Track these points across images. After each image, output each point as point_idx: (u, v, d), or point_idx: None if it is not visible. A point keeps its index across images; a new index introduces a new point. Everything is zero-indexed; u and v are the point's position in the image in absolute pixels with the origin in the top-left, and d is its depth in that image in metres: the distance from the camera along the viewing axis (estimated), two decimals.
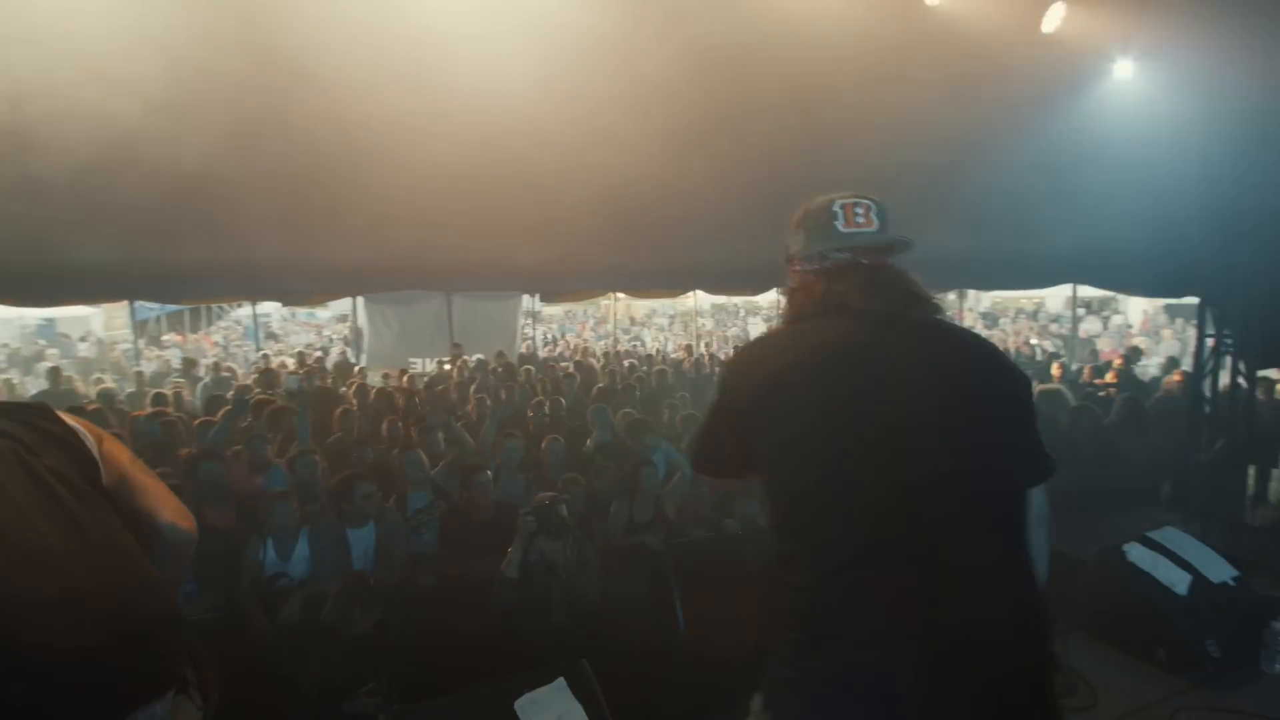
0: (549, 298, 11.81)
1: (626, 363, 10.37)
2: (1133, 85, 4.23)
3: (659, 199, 8.94)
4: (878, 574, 1.12)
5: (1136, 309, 17.17)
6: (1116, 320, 19.22)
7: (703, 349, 12.49)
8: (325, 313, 22.20)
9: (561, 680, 2.07)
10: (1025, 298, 20.14)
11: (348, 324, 21.49)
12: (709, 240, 10.48)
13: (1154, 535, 2.92)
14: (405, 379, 8.41)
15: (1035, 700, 1.15)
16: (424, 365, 11.47)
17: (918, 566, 1.11)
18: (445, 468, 4.26)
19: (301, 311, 24.14)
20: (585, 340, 16.11)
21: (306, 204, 8.50)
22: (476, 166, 8.10)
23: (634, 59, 6.03)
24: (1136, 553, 2.86)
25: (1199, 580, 3.06)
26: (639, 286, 12.17)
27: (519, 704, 1.99)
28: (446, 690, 2.68)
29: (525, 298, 11.79)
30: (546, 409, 6.22)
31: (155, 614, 1.23)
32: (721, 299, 19.28)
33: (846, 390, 1.24)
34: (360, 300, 10.86)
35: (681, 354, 11.69)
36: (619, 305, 22.30)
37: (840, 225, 1.39)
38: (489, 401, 6.17)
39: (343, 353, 12.15)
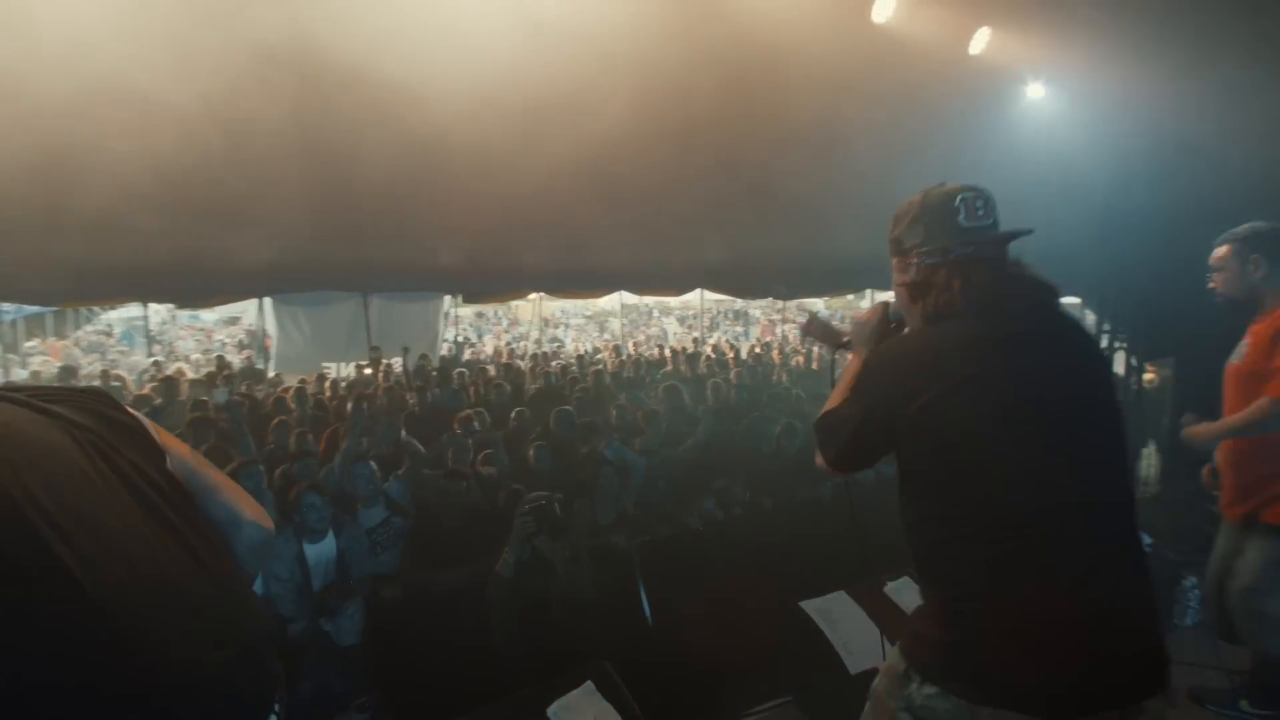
0: (471, 299, 11.51)
1: (555, 364, 10.30)
2: (1042, 104, 4.73)
3: (585, 201, 8.94)
4: (1060, 548, 1.24)
5: None
6: None
7: (631, 349, 12.60)
8: (211, 315, 20.58)
9: (590, 683, 2.07)
10: None
11: (241, 327, 20.10)
12: (634, 243, 10.59)
13: None
14: (327, 386, 7.96)
15: (1160, 674, 1.27)
16: (338, 370, 10.90)
17: (1089, 543, 1.26)
18: (401, 478, 4.07)
19: (183, 314, 22.25)
20: (508, 343, 15.84)
21: (204, 198, 7.85)
22: (396, 164, 7.78)
23: (571, 61, 6.00)
24: None
25: None
26: (562, 288, 12.10)
27: (552, 711, 1.98)
28: (439, 704, 2.62)
29: (447, 299, 11.44)
30: (488, 416, 6.11)
31: (260, 623, 1.14)
32: (633, 299, 19.46)
33: (1024, 389, 1.31)
34: (268, 301, 10.15)
35: (607, 355, 11.74)
36: (529, 306, 22.07)
37: (963, 219, 1.42)
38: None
39: (247, 358, 11.32)
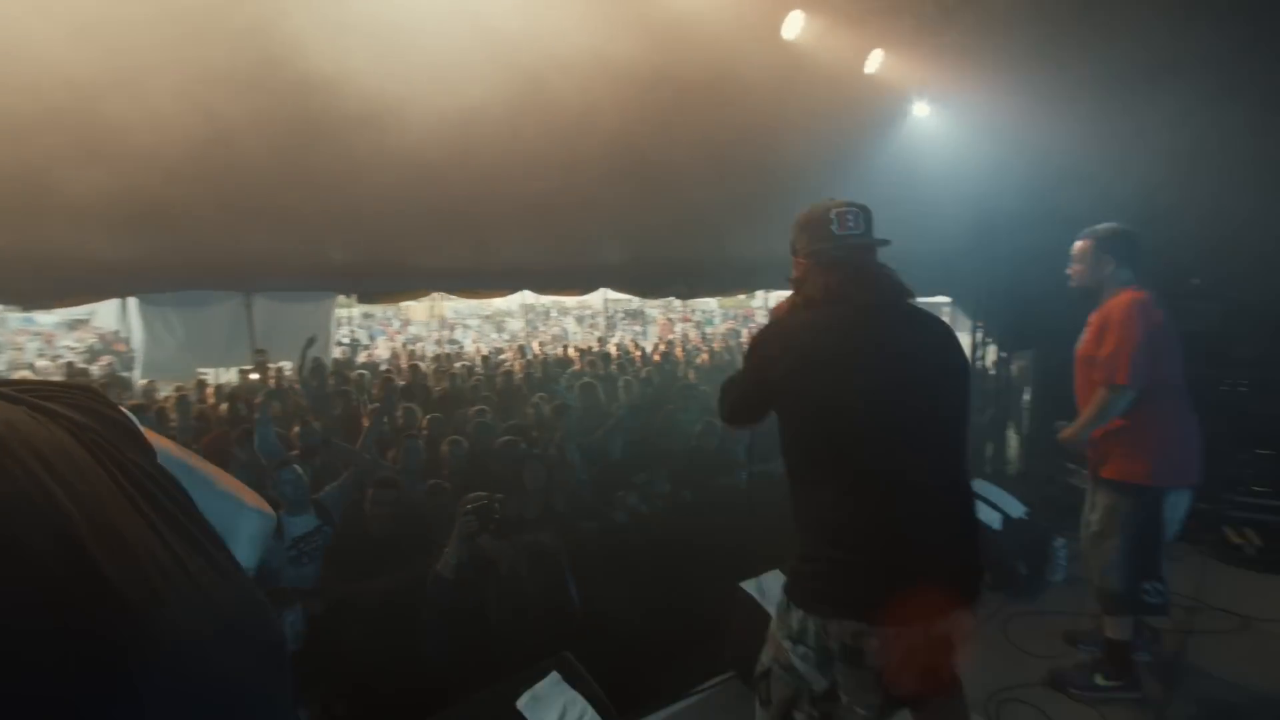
0: (367, 298, 10.97)
1: (458, 365, 10.07)
2: (927, 122, 5.22)
3: (487, 198, 8.78)
4: (880, 491, 1.56)
5: None
6: None
7: (536, 349, 12.52)
8: (49, 318, 18.35)
9: (555, 674, 2.12)
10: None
11: (91, 330, 18.01)
12: (537, 242, 10.52)
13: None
14: (210, 393, 7.35)
15: (970, 587, 1.64)
16: (217, 376, 10.07)
17: (908, 487, 1.57)
18: (339, 487, 3.87)
19: (14, 316, 19.65)
20: (404, 344, 15.25)
21: (53, 186, 7.01)
22: (282, 151, 7.29)
23: (475, 60, 5.89)
24: None
25: (1005, 517, 3.86)
26: (464, 287, 11.81)
27: (521, 703, 2.01)
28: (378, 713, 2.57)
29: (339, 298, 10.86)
30: (400, 416, 5.94)
31: (278, 631, 1.11)
32: (530, 299, 19.31)
33: (862, 363, 1.62)
34: (132, 302, 9.21)
35: (511, 355, 11.60)
36: (422, 307, 21.34)
37: (835, 228, 1.72)
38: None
39: (108, 365, 10.23)
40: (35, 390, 1.05)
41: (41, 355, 14.06)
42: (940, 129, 5.21)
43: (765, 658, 1.79)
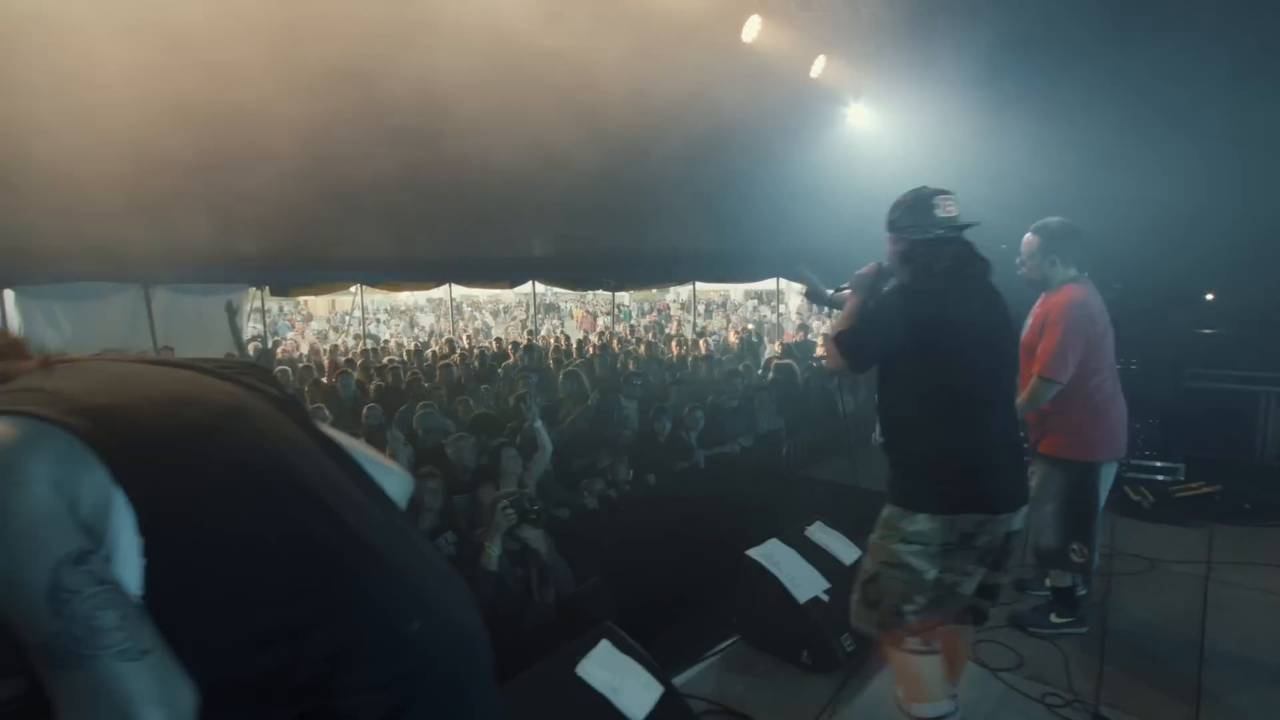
0: (280, 291, 10.39)
1: (387, 360, 9.73)
2: (864, 124, 5.63)
3: (415, 189, 8.55)
4: (988, 417, 2.06)
5: (794, 301, 21.23)
6: (781, 309, 23.74)
7: (465, 342, 12.27)
8: None
9: (606, 641, 2.22)
10: (714, 291, 23.63)
11: None
12: (465, 235, 10.31)
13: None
14: None
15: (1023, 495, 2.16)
16: None
17: (1000, 413, 2.12)
18: None
19: None
20: (319, 338, 14.48)
21: None
22: (187, 127, 6.76)
23: (423, 38, 5.74)
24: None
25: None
26: (388, 279, 11.42)
27: (581, 669, 2.10)
28: None
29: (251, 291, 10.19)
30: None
31: (467, 587, 1.16)
32: (438, 294, 18.80)
33: (977, 323, 2.03)
34: (9, 294, 8.27)
35: (436, 349, 11.32)
36: (323, 302, 20.27)
37: (939, 212, 2.07)
38: None
39: None
40: (228, 366, 1.07)
41: None
42: (876, 130, 5.63)
43: (871, 565, 2.12)
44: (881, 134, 5.56)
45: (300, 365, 9.53)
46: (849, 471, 6.08)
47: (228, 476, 0.88)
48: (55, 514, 0.75)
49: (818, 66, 5.11)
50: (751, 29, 4.66)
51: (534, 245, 11.65)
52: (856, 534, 3.17)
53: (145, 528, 0.79)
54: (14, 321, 8.40)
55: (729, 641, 3.05)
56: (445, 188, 8.61)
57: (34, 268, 7.96)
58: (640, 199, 8.69)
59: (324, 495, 0.95)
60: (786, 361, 8.03)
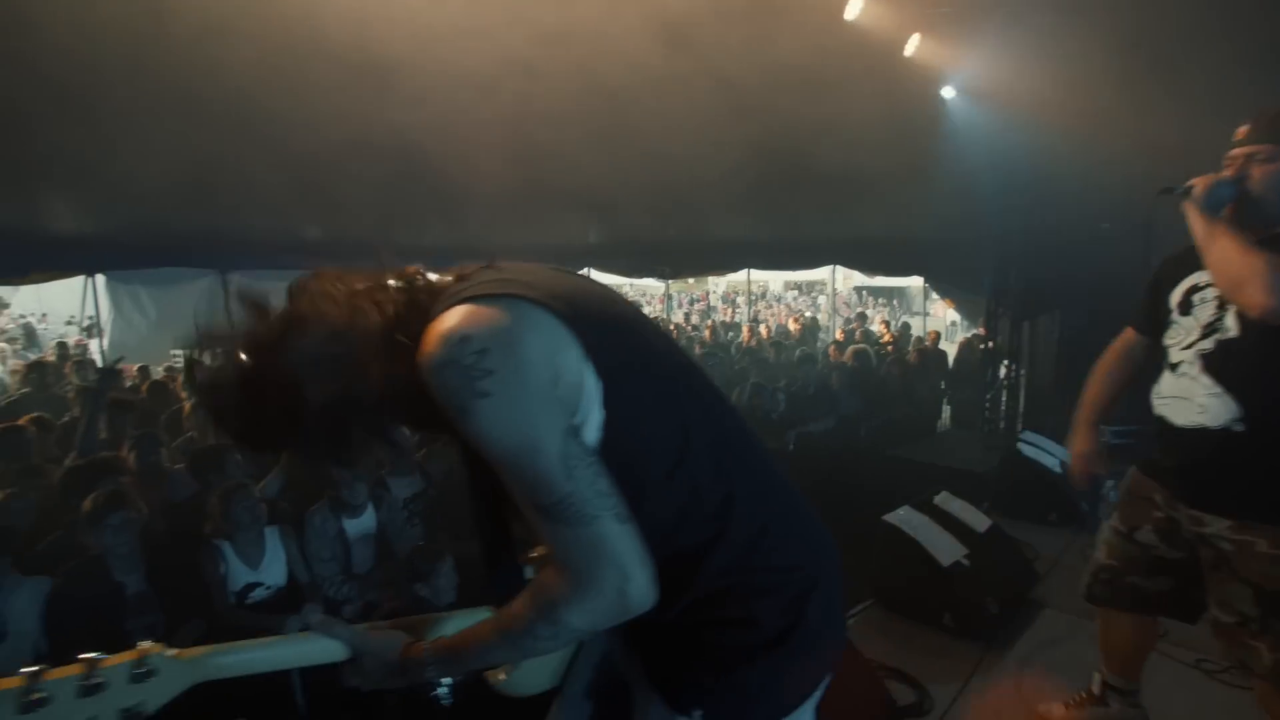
0: None
1: None
2: (956, 106, 5.58)
3: (484, 175, 8.64)
4: None
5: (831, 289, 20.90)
6: (821, 299, 23.53)
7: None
8: None
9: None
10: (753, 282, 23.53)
11: (10, 315, 16.53)
12: (519, 221, 10.40)
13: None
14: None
15: None
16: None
17: None
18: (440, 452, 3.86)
19: None
20: None
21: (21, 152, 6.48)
22: (249, 123, 6.94)
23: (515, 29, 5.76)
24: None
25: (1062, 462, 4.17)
26: (444, 265, 11.56)
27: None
28: None
29: None
30: None
31: None
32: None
33: None
34: (100, 279, 8.61)
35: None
36: None
37: None
38: None
39: (80, 344, 9.53)
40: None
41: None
42: (969, 112, 5.59)
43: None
44: (977, 116, 5.51)
45: None
46: (929, 451, 6.11)
47: (663, 364, 0.96)
48: (553, 387, 0.82)
49: (911, 45, 5.09)
50: (854, 7, 4.65)
51: (589, 232, 11.73)
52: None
53: (606, 403, 0.86)
54: (103, 304, 8.76)
55: (863, 605, 3.10)
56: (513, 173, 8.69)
57: (121, 253, 8.24)
58: (709, 184, 8.67)
59: (718, 392, 1.03)
60: (863, 347, 8.04)
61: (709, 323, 12.67)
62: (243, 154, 7.23)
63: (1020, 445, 4.24)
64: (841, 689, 2.18)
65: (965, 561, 2.89)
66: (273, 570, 3.10)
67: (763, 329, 10.72)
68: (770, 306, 20.40)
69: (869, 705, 2.22)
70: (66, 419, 4.36)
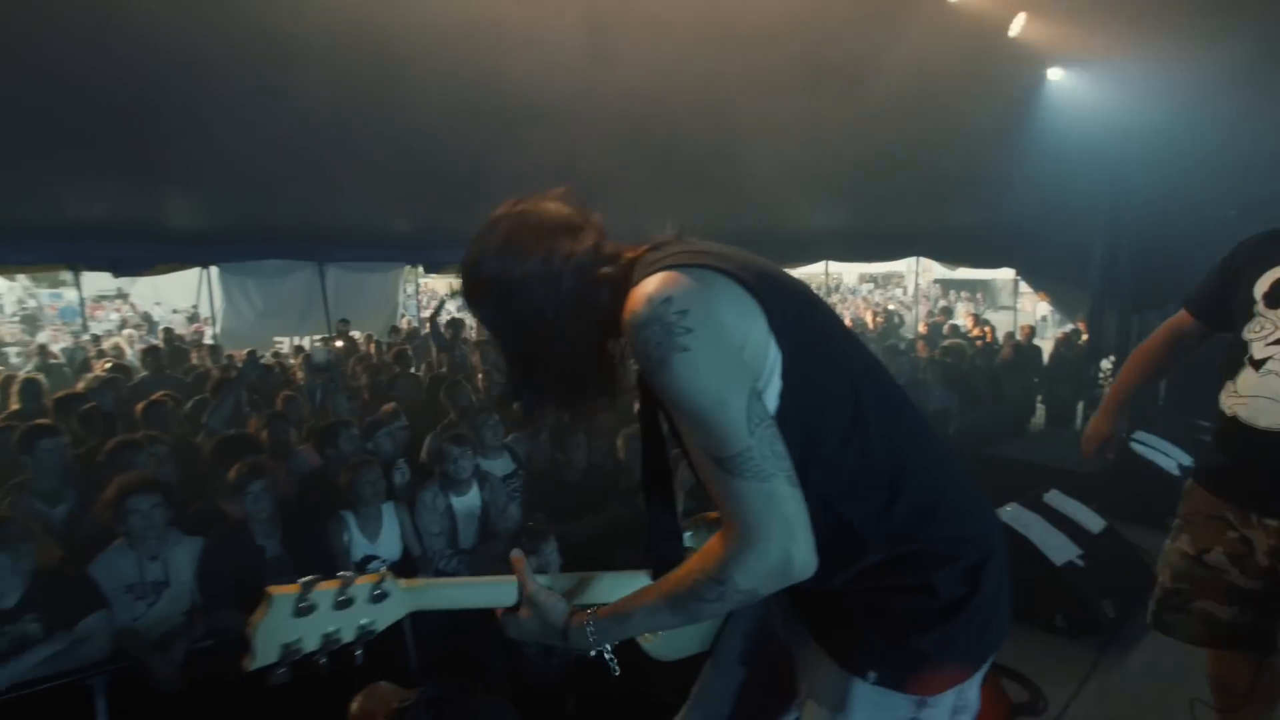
0: (434, 268, 11.04)
1: None
2: (1062, 88, 5.30)
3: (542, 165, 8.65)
4: None
5: (911, 282, 20.20)
6: (898, 293, 22.78)
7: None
8: (73, 294, 18.26)
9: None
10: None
11: (125, 303, 18.04)
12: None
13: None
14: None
15: None
16: (290, 344, 10.17)
17: None
18: (525, 435, 4.02)
19: (44, 292, 19.62)
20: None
21: (141, 157, 6.98)
22: (349, 122, 7.23)
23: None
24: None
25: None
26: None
27: None
28: None
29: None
30: None
31: None
32: None
33: None
34: (213, 271, 9.28)
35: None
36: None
37: None
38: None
39: (198, 330, 10.35)
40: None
41: (108, 329, 14.00)
42: (1078, 95, 5.30)
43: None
44: (1085, 98, 5.21)
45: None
46: (1025, 450, 5.84)
47: (837, 341, 1.00)
48: (741, 350, 0.88)
49: (1017, 25, 4.86)
50: None
51: (663, 225, 11.70)
52: None
53: (785, 373, 0.91)
54: (217, 294, 9.44)
55: None
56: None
57: (232, 246, 8.82)
58: (787, 173, 8.47)
59: (885, 369, 1.06)
60: (958, 341, 7.78)
61: None
62: (339, 155, 7.60)
63: (1133, 445, 4.02)
64: None
65: (1079, 562, 2.79)
66: (389, 543, 3.29)
67: (846, 322, 10.47)
68: (844, 300, 19.92)
69: (989, 701, 2.18)
70: (196, 398, 4.74)
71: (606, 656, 1.07)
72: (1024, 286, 11.38)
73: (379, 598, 0.95)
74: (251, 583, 2.76)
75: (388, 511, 3.31)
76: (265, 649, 0.87)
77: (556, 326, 0.99)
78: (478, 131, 7.67)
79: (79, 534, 3.00)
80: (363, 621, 0.93)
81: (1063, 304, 9.57)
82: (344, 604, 0.91)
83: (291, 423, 3.97)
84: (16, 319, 17.33)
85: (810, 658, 1.07)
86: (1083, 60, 5.05)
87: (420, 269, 11.18)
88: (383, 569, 0.98)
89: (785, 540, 0.84)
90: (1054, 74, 5.26)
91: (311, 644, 0.90)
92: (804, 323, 0.95)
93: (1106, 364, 6.05)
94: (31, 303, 18.63)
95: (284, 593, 0.88)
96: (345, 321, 9.24)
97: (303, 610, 0.89)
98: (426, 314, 16.14)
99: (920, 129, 5.89)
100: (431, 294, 21.01)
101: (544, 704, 2.68)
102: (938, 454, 1.03)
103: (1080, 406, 6.75)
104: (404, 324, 11.14)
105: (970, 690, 1.05)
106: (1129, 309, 5.76)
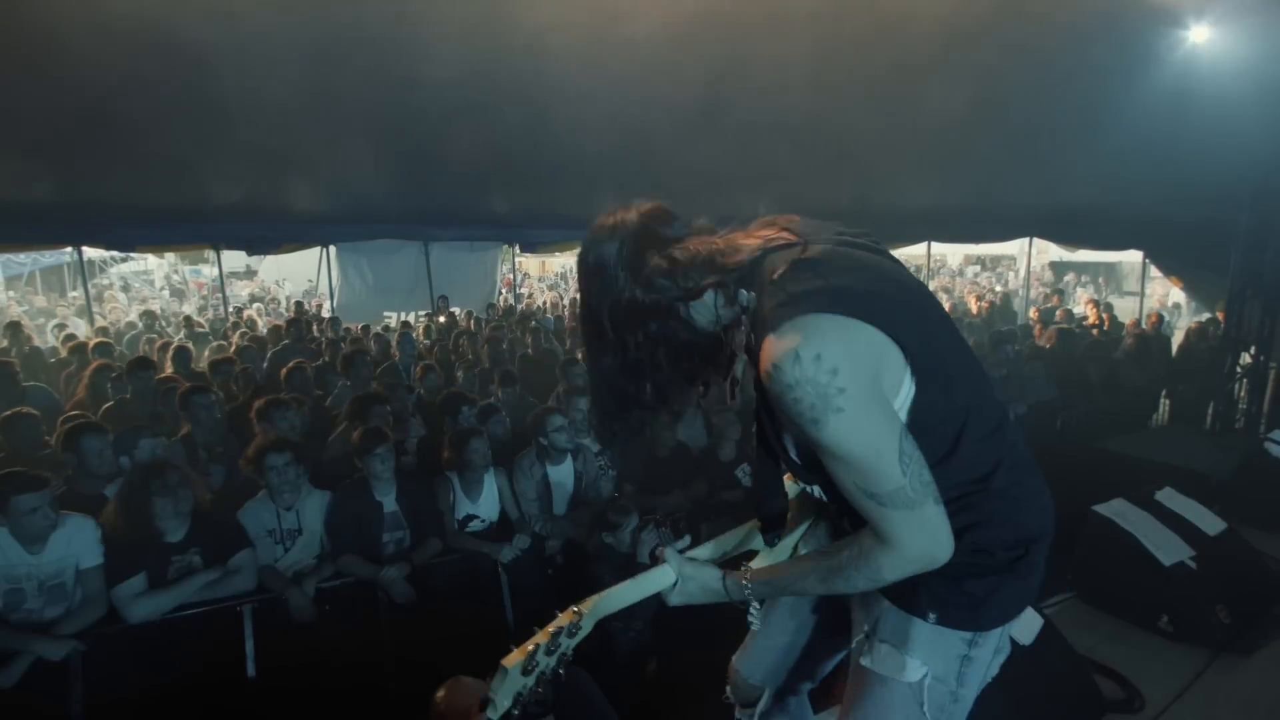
0: (530, 249, 11.41)
1: None
2: (1202, 46, 4.78)
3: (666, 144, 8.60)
4: None
5: (1022, 264, 18.81)
6: (1010, 276, 21.33)
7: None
8: (209, 269, 20.06)
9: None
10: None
11: (253, 280, 19.73)
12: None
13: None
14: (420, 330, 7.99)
15: None
16: (398, 319, 10.86)
17: None
18: None
19: (186, 269, 21.74)
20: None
21: (268, 145, 7.54)
22: (450, 108, 7.48)
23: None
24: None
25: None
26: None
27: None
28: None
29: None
30: None
31: None
32: None
33: None
34: (332, 250, 10.03)
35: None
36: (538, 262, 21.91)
37: None
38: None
39: (317, 304, 11.27)
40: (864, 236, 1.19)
41: (242, 303, 15.44)
42: (1217, 57, 4.78)
43: None
44: (1230, 63, 4.69)
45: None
46: (1142, 446, 5.44)
47: (951, 355, 1.07)
48: (888, 399, 0.96)
49: None
50: None
51: (758, 203, 11.53)
52: None
53: (914, 405, 0.99)
54: (335, 271, 10.20)
55: (1061, 596, 2.93)
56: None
57: (349, 226, 9.47)
58: (889, 145, 8.05)
59: (983, 369, 1.13)
60: (1067, 327, 7.29)
61: None
62: (442, 140, 7.96)
63: (1269, 445, 3.70)
64: (1052, 677, 2.13)
65: (1191, 563, 2.63)
66: (488, 505, 3.54)
67: (946, 308, 9.98)
68: (949, 284, 18.93)
69: (1077, 696, 2.14)
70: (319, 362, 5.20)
71: (752, 610, 1.25)
72: (1154, 270, 10.41)
73: (574, 631, 1.16)
74: (370, 535, 3.08)
75: (489, 476, 3.55)
76: (502, 703, 1.08)
77: (678, 322, 1.08)
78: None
79: (235, 483, 3.42)
80: (564, 652, 1.15)
81: (1198, 290, 8.74)
82: (553, 649, 1.13)
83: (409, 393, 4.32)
84: (165, 290, 19.32)
85: (869, 599, 1.19)
86: (1227, 15, 4.54)
87: (517, 248, 11.57)
88: (567, 613, 1.17)
89: (932, 548, 0.98)
90: (1193, 30, 4.74)
91: (530, 684, 1.11)
92: (930, 350, 1.01)
93: (1246, 358, 5.51)
94: (176, 277, 20.69)
95: (515, 660, 1.10)
96: (444, 298, 9.78)
97: (529, 670, 1.11)
98: (523, 291, 16.72)
99: (1036, 93, 5.49)
100: (525, 274, 21.70)
101: (626, 670, 2.85)
102: (1023, 454, 1.11)
103: (1211, 406, 6.17)
104: (501, 301, 11.61)
105: (1010, 633, 1.19)
106: (1275, 297, 5.23)
